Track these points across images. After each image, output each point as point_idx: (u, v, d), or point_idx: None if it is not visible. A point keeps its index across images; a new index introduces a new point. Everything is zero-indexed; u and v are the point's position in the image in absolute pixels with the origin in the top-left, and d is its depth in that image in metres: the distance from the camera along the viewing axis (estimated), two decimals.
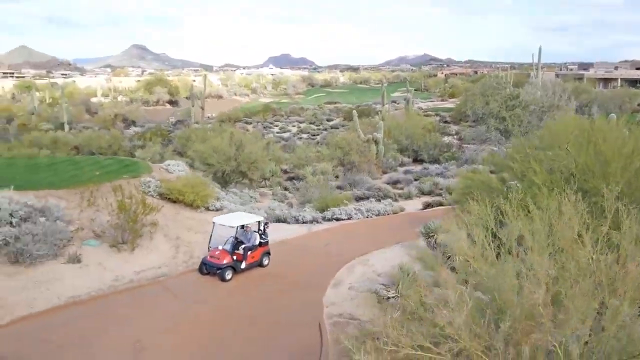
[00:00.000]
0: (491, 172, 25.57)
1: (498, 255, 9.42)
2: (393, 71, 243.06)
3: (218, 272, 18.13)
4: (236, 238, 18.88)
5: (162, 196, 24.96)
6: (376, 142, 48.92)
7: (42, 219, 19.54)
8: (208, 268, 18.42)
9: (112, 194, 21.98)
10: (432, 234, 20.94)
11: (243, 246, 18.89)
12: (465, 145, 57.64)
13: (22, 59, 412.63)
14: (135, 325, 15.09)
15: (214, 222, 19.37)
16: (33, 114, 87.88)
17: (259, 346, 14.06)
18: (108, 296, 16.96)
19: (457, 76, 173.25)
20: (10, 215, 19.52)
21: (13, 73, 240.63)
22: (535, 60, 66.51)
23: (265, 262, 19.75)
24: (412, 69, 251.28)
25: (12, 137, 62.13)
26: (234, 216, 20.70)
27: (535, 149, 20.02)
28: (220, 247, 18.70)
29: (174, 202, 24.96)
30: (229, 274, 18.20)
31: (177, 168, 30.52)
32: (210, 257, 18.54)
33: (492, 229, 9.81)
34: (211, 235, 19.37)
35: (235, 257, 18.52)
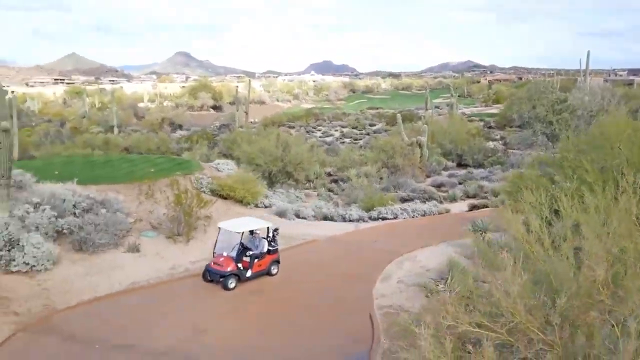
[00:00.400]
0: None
1: (552, 242, 9.65)
2: (435, 77, 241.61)
3: (221, 280, 17.16)
4: (242, 245, 17.83)
5: (214, 192, 25.75)
6: (420, 146, 48.93)
7: (103, 211, 20.51)
8: (211, 275, 17.44)
9: (167, 189, 22.93)
10: (480, 231, 21.03)
11: (250, 253, 17.81)
12: (511, 150, 57.08)
13: (72, 66, 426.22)
14: (194, 310, 15.77)
15: (219, 227, 18.45)
16: (84, 117, 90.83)
17: (313, 332, 14.56)
18: (166, 283, 17.73)
19: (500, 82, 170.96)
20: (74, 206, 20.58)
21: (64, 79, 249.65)
22: (583, 66, 65.38)
23: (274, 270, 18.55)
24: (454, 76, 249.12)
25: (65, 139, 64.52)
26: (241, 221, 19.50)
27: (585, 148, 19.98)
28: (225, 254, 17.71)
29: (225, 198, 25.73)
30: (232, 283, 17.16)
31: (227, 167, 31.38)
32: (214, 263, 17.60)
33: (547, 217, 10.04)
34: (216, 241, 18.45)
35: (240, 265, 17.46)
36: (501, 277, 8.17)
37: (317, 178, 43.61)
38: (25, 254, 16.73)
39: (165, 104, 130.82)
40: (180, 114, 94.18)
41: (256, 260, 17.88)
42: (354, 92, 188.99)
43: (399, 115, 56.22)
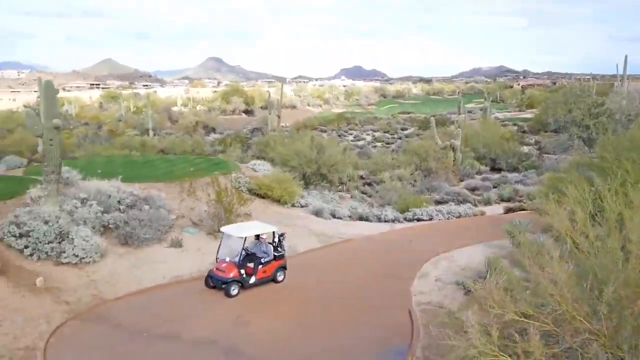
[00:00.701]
0: None
1: (597, 236, 9.75)
2: (467, 82, 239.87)
3: (223, 286, 16.47)
4: (246, 250, 17.23)
5: (251, 192, 26.24)
6: (454, 149, 48.79)
7: (146, 207, 21.14)
8: (213, 281, 16.79)
9: (206, 187, 23.48)
10: (519, 232, 20.97)
11: (265, 260, 17.33)
12: (545, 154, 56.44)
13: (106, 71, 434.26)
14: (234, 303, 16.18)
15: (222, 232, 17.72)
16: (120, 120, 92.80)
17: (354, 324, 14.88)
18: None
19: (534, 87, 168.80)
20: (118, 202, 21.26)
21: (99, 84, 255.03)
22: (620, 71, 64.34)
23: (280, 277, 17.76)
24: (486, 81, 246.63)
25: (103, 141, 66.07)
26: (245, 226, 18.80)
27: (625, 149, 19.85)
28: (227, 259, 17.06)
29: (262, 197, 26.20)
30: (234, 290, 16.45)
31: (262, 167, 31.89)
32: (216, 269, 16.94)
33: (591, 211, 10.14)
34: (219, 246, 17.71)
35: (243, 271, 16.84)
36: (548, 265, 8.32)
37: (349, 180, 43.86)
38: (74, 246, 17.38)
39: (198, 108, 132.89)
40: (213, 118, 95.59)
41: (260, 266, 17.18)
42: (384, 97, 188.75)
43: (432, 118, 56.08)
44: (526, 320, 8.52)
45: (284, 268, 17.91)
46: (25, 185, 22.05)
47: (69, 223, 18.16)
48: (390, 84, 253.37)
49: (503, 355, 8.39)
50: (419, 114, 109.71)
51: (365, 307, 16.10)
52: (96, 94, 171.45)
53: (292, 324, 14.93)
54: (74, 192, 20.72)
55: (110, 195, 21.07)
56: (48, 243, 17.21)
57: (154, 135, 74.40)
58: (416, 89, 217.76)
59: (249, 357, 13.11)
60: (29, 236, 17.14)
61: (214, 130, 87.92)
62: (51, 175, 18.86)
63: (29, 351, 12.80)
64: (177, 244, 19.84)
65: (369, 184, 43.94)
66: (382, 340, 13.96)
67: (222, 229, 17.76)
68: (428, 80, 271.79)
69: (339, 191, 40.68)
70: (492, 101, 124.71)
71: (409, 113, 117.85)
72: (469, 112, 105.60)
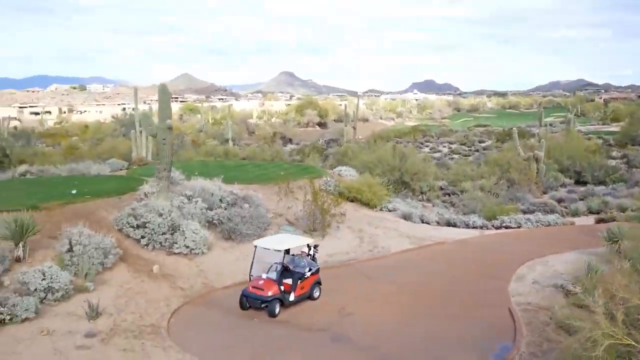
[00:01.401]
0: None
1: None
2: (544, 96, 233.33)
3: (264, 306, 14.94)
4: (283, 265, 15.63)
5: (341, 195, 26.89)
6: (537, 161, 47.84)
7: (246, 205, 22.23)
8: (251, 302, 15.15)
9: (298, 190, 24.42)
10: (616, 239, 20.60)
11: (309, 273, 16.08)
12: (634, 168, 54.38)
13: (184, 85, 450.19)
14: (338, 295, 16.81)
15: (255, 246, 15.94)
16: (201, 131, 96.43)
17: (454, 318, 15.22)
18: None
19: (617, 101, 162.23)
20: (220, 200, 22.46)
21: (177, 98, 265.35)
22: None
23: (316, 293, 16.37)
24: (565, 94, 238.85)
25: (187, 150, 68.97)
26: (280, 238, 17.48)
27: None
28: (264, 276, 15.49)
29: (352, 201, 26.82)
30: (278, 309, 15.02)
31: (348, 173, 32.59)
32: (253, 287, 15.21)
33: None
34: (252, 262, 15.96)
35: (282, 288, 15.29)
36: None
37: (429, 190, 43.93)
38: (185, 238, 18.60)
39: (273, 120, 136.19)
40: (290, 129, 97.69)
41: (299, 281, 15.73)
42: (458, 111, 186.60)
43: (515, 129, 55.24)
44: None
45: (319, 283, 16.47)
46: (133, 183, 23.73)
47: (180, 217, 19.41)
48: (464, 97, 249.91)
49: (627, 339, 8.53)
50: (496, 127, 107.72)
51: (464, 304, 16.37)
52: (175, 107, 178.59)
53: (395, 316, 15.40)
54: (180, 190, 22.07)
55: (213, 194, 22.31)
56: (162, 234, 18.49)
57: (234, 145, 77.03)
58: (491, 103, 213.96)
59: (355, 343, 13.70)
60: (145, 227, 18.48)
61: (290, 141, 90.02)
62: (163, 172, 20.26)
63: (155, 328, 13.88)
64: None
65: (450, 194, 43.84)
66: (484, 334, 14.21)
67: (257, 242, 16.00)
68: (503, 94, 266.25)
69: (419, 200, 40.84)
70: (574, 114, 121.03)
71: (485, 126, 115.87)
72: (550, 125, 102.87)
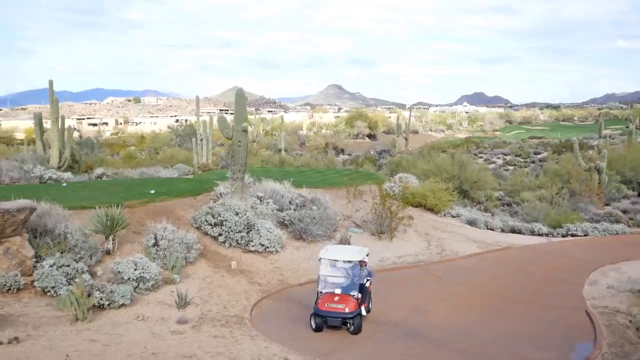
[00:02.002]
0: None
1: None
2: (600, 109, 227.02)
3: (347, 323, 13.68)
4: (360, 277, 14.39)
5: (404, 200, 27.16)
6: (599, 172, 46.88)
7: (315, 207, 22.76)
8: (330, 321, 13.70)
9: (362, 194, 24.83)
10: None
11: (368, 283, 14.85)
12: None
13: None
14: (409, 294, 17.10)
15: (320, 259, 14.49)
16: (254, 141, 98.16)
17: (528, 319, 15.32)
18: (379, 272, 19.26)
19: None
20: (290, 202, 23.08)
21: (228, 110, 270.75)
22: None
23: (371, 305, 15.24)
24: (622, 107, 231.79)
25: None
26: (345, 249, 16.17)
27: None
28: (338, 291, 14.03)
29: (415, 206, 27.04)
30: (360, 324, 13.81)
31: (409, 179, 32.73)
32: (328, 305, 13.67)
33: None
34: (319, 278, 14.52)
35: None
36: None
37: (487, 200, 43.63)
38: (260, 236, 19.23)
39: (323, 131, 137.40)
40: (342, 140, 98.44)
41: (367, 294, 14.67)
42: (510, 123, 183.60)
43: (575, 139, 54.33)
44: None
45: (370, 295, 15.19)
46: (205, 185, 24.69)
47: (254, 216, 20.09)
48: (515, 110, 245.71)
49: None
50: (551, 139, 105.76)
51: (539, 305, 16.41)
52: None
53: (469, 315, 15.56)
54: (251, 192, 22.82)
55: (283, 196, 22.97)
56: (238, 232, 19.17)
57: (287, 154, 78.23)
58: (543, 115, 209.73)
59: (430, 338, 13.93)
60: (223, 225, 19.21)
61: (342, 151, 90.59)
62: (238, 173, 21.01)
63: (239, 319, 14.46)
64: (346, 241, 21.16)
65: (508, 204, 43.40)
66: (561, 334, 14.23)
67: (322, 254, 14.51)
68: (556, 107, 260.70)
69: (478, 210, 40.61)
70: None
71: (539, 138, 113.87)
72: (609, 137, 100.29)
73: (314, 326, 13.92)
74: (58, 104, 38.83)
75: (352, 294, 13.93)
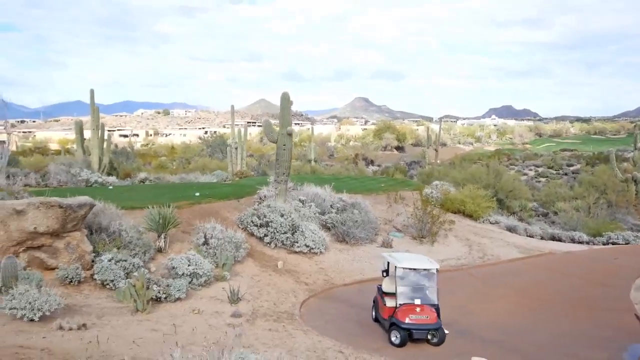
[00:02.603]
0: None
1: None
2: (632, 122, 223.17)
3: (433, 334, 13.08)
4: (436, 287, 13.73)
5: (442, 206, 27.26)
6: (636, 182, 46.33)
7: (356, 212, 23.00)
8: (417, 333, 12.93)
9: (403, 200, 24.99)
10: None
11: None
12: None
13: (261, 110, 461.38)
14: (456, 296, 17.17)
15: (395, 267, 13.67)
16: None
17: (576, 320, 15.38)
18: None
19: None
20: (331, 206, 23.37)
21: (255, 122, 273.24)
22: None
23: None
24: None
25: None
26: (417, 257, 14.92)
27: None
28: (417, 302, 13.25)
29: (454, 212, 27.09)
30: (444, 336, 13.18)
31: (446, 187, 32.78)
32: (411, 317, 12.94)
33: None
34: (397, 288, 13.53)
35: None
36: None
37: (521, 210, 43.33)
38: (305, 237, 19.54)
39: (351, 143, 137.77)
40: (371, 151, 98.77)
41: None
42: (540, 136, 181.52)
43: (612, 150, 53.82)
44: None
45: None
46: (247, 189, 25.13)
47: (299, 218, 20.42)
48: (545, 123, 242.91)
49: None
50: (584, 152, 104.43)
51: (587, 308, 16.38)
52: (255, 131, 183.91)
53: (516, 316, 15.62)
54: (294, 195, 23.17)
55: (324, 199, 23.28)
56: (283, 233, 19.52)
57: (317, 165, 78.71)
58: (574, 129, 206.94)
59: (480, 337, 14.02)
60: (268, 226, 19.58)
61: (372, 162, 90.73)
62: (282, 176, 21.40)
63: (289, 315, 14.75)
64: (387, 244, 21.40)
65: (544, 215, 43.08)
66: (611, 335, 14.21)
67: (399, 264, 13.57)
68: (586, 120, 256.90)
69: (514, 219, 40.38)
70: None
71: (571, 150, 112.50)
72: None
73: (397, 342, 12.96)
74: (98, 113, 40.00)
75: (432, 303, 13.31)
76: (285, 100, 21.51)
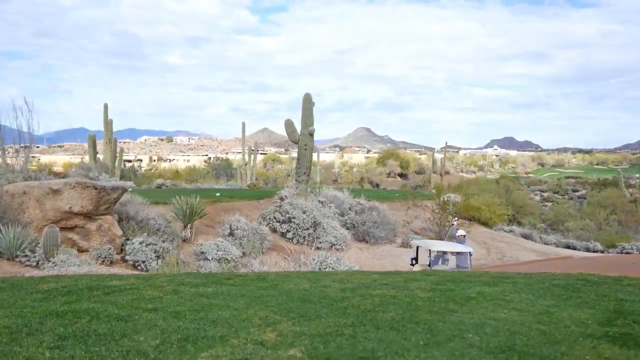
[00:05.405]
0: None
1: None
2: (634, 153, 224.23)
3: None
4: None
5: (457, 214, 27.44)
6: None
7: (374, 213, 23.21)
8: None
9: (417, 207, 25.23)
10: None
11: None
12: None
13: (264, 138, 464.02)
14: None
15: (430, 250, 13.99)
16: (289, 175, 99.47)
17: None
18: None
19: None
20: (349, 208, 23.59)
21: (258, 150, 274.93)
22: None
23: None
24: None
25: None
26: (440, 244, 15.24)
27: None
28: None
29: (469, 220, 27.25)
30: None
31: (457, 199, 33.04)
32: None
33: None
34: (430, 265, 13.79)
35: None
36: None
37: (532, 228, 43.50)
38: (327, 234, 19.72)
39: (354, 170, 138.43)
40: (377, 175, 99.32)
41: None
42: (542, 166, 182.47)
43: (620, 169, 54.17)
44: None
45: None
46: (266, 193, 25.39)
47: (320, 216, 20.63)
48: (547, 154, 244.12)
49: None
50: (588, 178, 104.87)
51: None
52: (258, 158, 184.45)
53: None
54: (313, 197, 23.41)
55: (343, 202, 23.52)
56: (306, 229, 19.73)
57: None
58: (576, 159, 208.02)
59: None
60: (291, 222, 19.80)
61: (377, 186, 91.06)
62: (303, 176, 21.67)
63: None
64: (406, 244, 21.53)
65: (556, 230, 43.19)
66: None
67: (435, 247, 13.93)
68: (588, 152, 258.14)
69: None
70: None
71: (575, 178, 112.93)
72: None
73: None
74: (112, 126, 40.65)
75: None
76: (308, 101, 21.92)
